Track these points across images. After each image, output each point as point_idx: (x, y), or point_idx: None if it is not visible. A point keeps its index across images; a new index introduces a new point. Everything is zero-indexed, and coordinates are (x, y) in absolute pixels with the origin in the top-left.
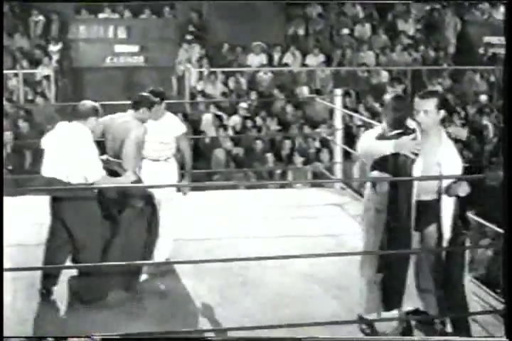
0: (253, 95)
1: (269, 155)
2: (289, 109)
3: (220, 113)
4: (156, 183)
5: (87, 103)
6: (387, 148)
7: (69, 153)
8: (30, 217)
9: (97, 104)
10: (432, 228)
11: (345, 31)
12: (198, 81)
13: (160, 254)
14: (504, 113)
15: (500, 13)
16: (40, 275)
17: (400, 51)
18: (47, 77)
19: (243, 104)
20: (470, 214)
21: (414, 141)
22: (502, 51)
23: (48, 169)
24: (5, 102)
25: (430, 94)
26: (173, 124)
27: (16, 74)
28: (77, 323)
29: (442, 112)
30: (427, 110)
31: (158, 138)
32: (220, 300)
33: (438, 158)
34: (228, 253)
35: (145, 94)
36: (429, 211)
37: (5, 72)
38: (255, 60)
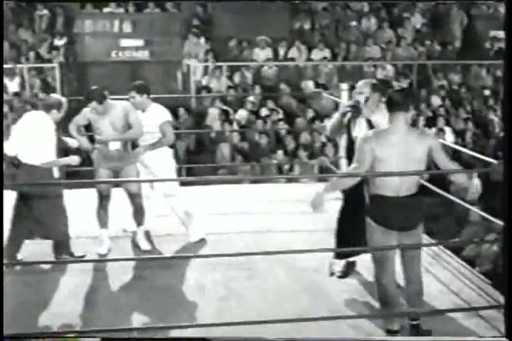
0: (258, 90)
1: (275, 150)
2: (295, 103)
3: (225, 107)
4: (148, 173)
5: (53, 97)
6: None
7: (27, 136)
8: None
9: (62, 99)
10: None
11: (352, 25)
12: (203, 75)
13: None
14: (504, 109)
15: None
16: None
17: (406, 45)
18: (52, 72)
19: (251, 97)
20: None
21: None
22: None
23: (10, 148)
24: (11, 97)
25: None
26: (157, 113)
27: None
28: None
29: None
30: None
31: (144, 129)
32: (224, 293)
33: None
34: (233, 248)
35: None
36: None
37: (10, 66)
38: (261, 54)
